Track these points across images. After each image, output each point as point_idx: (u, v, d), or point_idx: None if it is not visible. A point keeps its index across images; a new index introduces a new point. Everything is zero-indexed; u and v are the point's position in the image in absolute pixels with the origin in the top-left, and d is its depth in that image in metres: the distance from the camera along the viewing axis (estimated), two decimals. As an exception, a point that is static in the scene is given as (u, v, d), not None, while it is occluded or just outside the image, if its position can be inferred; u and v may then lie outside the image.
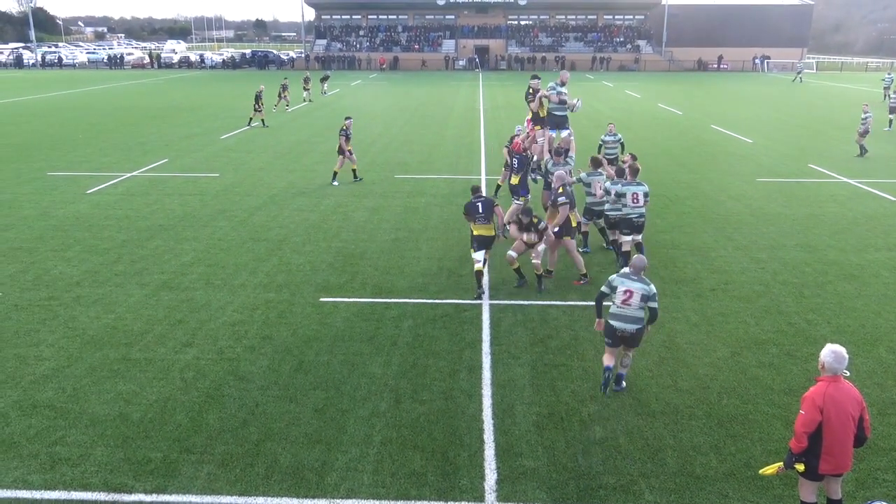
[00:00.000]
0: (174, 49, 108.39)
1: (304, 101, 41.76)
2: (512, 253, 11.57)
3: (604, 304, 8.52)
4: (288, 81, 40.37)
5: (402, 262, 13.31)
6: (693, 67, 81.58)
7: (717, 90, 52.94)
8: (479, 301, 11.23)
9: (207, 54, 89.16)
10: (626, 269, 8.46)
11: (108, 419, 7.88)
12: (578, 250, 12.71)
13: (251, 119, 31.76)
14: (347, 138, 19.90)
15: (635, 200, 12.49)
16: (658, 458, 7.23)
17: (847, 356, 5.76)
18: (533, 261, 11.46)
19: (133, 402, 8.21)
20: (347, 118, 20.53)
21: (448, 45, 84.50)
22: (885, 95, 44.68)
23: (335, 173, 20.01)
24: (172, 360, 9.27)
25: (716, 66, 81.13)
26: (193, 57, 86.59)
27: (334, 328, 10.38)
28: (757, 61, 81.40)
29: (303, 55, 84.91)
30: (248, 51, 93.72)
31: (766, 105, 42.00)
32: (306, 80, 42.65)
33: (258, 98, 31.38)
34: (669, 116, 36.16)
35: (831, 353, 5.75)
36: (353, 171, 20.34)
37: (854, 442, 5.81)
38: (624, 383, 8.78)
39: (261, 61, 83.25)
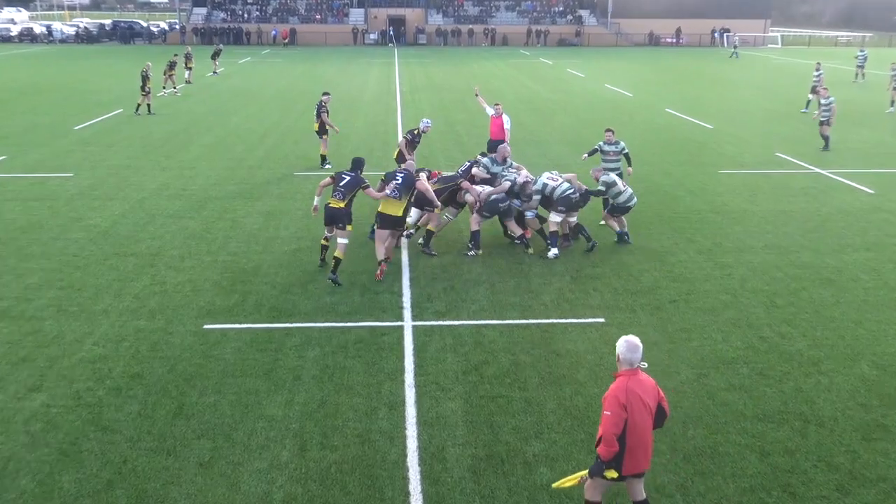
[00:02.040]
0: (13, 19, 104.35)
1: (186, 81, 41.49)
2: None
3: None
4: (177, 58, 39.86)
5: (306, 278, 13.28)
6: (644, 42, 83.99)
7: (673, 68, 54.96)
8: (398, 323, 11.22)
9: (56, 25, 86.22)
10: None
11: (-70, 488, 7.41)
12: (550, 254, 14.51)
13: (139, 105, 31.48)
14: (327, 114, 21.54)
15: (555, 179, 14.64)
16: (616, 504, 7.31)
17: (640, 345, 6.12)
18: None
19: (-37, 465, 7.75)
20: (325, 94, 22.03)
21: (356, 16, 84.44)
22: (856, 74, 46.96)
23: (324, 156, 21.99)
24: (14, 409, 8.86)
25: (672, 40, 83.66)
26: (38, 28, 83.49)
27: (223, 361, 10.26)
28: (716, 35, 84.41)
29: (177, 27, 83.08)
30: (108, 21, 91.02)
31: (728, 85, 43.65)
32: (188, 57, 41.83)
33: (145, 79, 31.03)
34: (618, 99, 37.58)
35: (624, 343, 6.12)
36: (323, 155, 21.98)
37: (654, 425, 6.30)
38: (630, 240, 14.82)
39: (124, 34, 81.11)
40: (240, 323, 11.43)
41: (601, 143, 16.56)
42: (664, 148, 24.95)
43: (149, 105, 30.92)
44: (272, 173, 21.43)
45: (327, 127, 21.56)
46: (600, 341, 10.91)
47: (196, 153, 24.02)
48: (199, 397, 9.36)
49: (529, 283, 13.10)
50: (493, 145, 18.59)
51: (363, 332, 11.17)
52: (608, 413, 6.04)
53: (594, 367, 10.18)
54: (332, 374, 9.91)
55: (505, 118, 19.49)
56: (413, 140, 17.61)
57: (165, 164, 21.92)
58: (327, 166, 21.65)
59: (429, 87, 41.91)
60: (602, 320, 11.65)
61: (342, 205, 12.69)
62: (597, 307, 12.12)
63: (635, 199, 14.90)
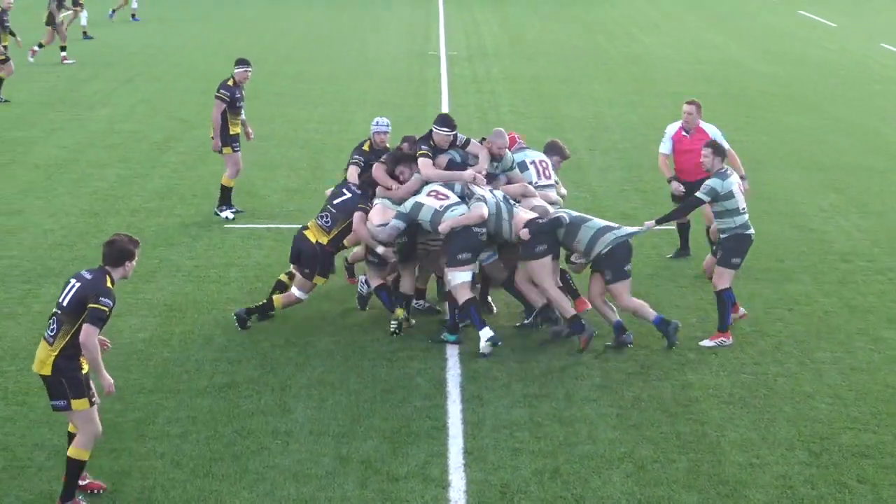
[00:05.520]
0: None
1: (45, 42, 34.75)
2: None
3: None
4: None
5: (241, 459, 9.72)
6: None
7: None
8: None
9: None
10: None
11: None
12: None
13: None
14: (235, 106, 16.05)
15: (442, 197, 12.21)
16: None
17: None
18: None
19: None
20: (240, 64, 16.39)
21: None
22: None
23: (227, 190, 16.57)
24: None
25: None
26: None
27: None
28: None
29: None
30: None
31: None
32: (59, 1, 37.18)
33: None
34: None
35: None
36: (223, 188, 16.62)
37: None
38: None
39: None
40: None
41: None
42: None
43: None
44: (178, 222, 16.15)
45: (221, 132, 16.71)
46: None
47: (22, 183, 18.20)
48: None
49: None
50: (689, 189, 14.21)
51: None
52: None
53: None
54: None
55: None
56: (368, 161, 14.42)
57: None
58: (225, 214, 16.35)
59: (509, 48, 33.21)
60: None
61: (324, 238, 11.61)
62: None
63: (615, 234, 11.78)
